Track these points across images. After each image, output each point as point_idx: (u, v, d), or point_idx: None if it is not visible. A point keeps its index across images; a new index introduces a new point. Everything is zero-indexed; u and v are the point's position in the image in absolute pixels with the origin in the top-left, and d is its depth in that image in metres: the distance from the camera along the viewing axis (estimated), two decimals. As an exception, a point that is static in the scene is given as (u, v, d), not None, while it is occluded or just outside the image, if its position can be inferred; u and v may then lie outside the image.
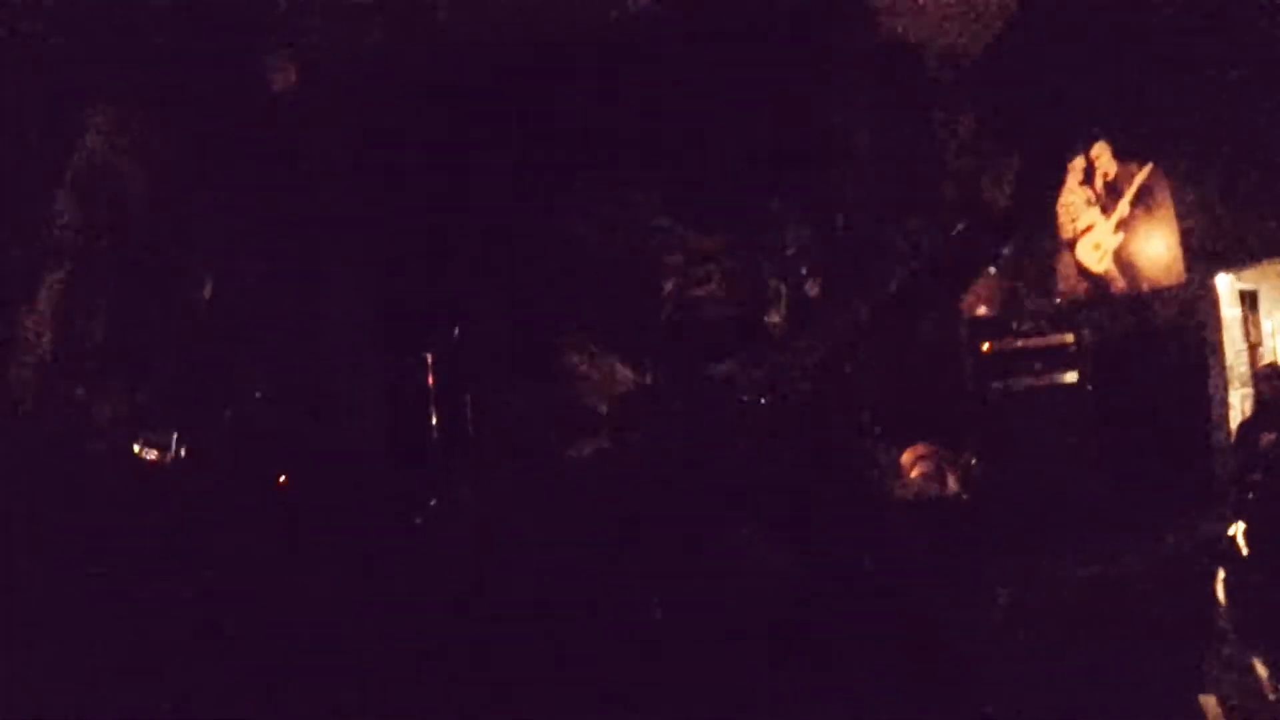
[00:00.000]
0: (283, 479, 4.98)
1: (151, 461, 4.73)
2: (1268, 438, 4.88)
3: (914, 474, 5.84)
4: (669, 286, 4.12)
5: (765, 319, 4.07)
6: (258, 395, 5.14)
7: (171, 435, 4.74)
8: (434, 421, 5.31)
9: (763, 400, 3.78)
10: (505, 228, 5.12)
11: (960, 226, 4.04)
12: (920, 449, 5.87)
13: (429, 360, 5.29)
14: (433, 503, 5.31)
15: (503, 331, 5.21)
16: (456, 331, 5.42)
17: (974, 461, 5.75)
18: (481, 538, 4.95)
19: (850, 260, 4.27)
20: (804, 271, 4.10)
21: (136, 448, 4.69)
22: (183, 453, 4.79)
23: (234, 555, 4.52)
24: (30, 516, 4.34)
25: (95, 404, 4.67)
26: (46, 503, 4.37)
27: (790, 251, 4.13)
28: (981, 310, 6.05)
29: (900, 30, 5.81)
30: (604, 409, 4.23)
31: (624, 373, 4.16)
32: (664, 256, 4.19)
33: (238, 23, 5.01)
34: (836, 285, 4.03)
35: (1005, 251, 5.69)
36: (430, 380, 5.31)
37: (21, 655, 3.95)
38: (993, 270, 6.04)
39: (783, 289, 4.06)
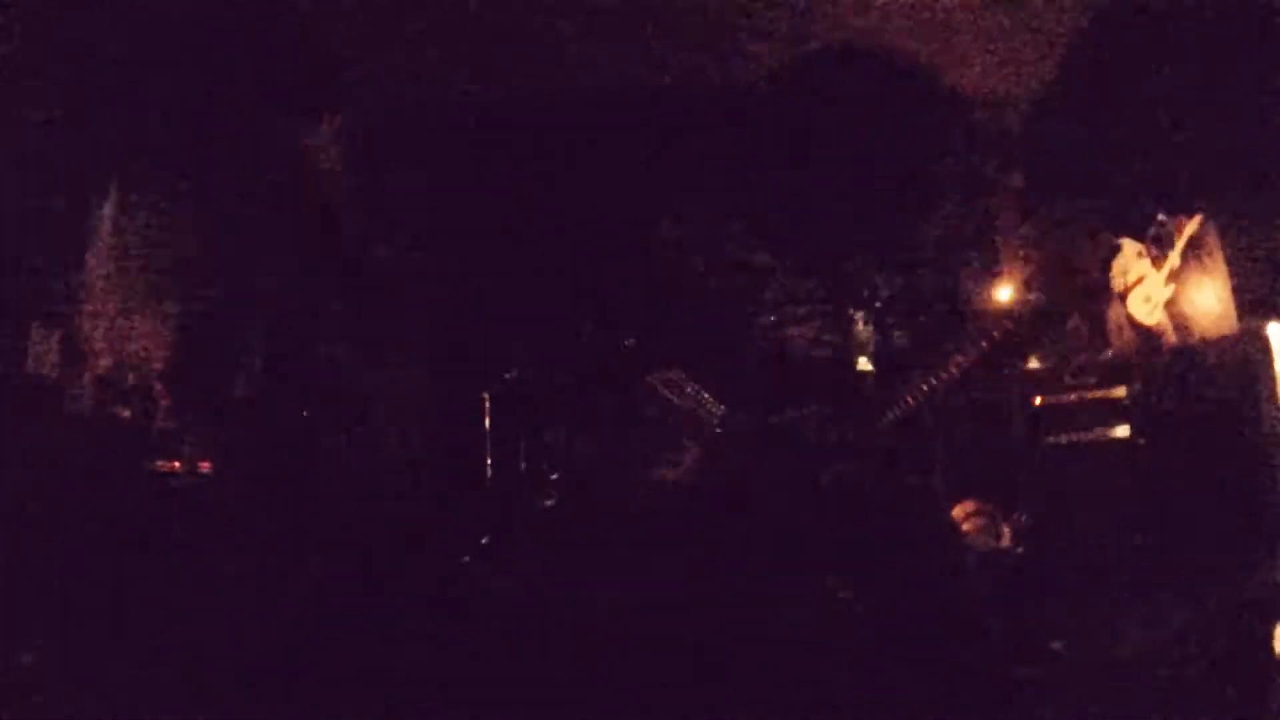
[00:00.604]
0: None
1: (200, 483, 4.83)
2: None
3: (965, 528, 5.80)
4: (763, 322, 4.20)
5: (854, 364, 4.14)
6: (309, 422, 5.22)
7: (221, 458, 4.85)
8: (489, 458, 5.41)
9: (846, 444, 3.84)
10: (607, 256, 5.31)
11: (1039, 297, 4.09)
12: (970, 505, 5.84)
13: (486, 397, 5.41)
14: (484, 540, 5.37)
15: (591, 356, 5.33)
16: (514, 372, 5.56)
17: (1024, 517, 5.71)
18: (537, 570, 5.01)
19: (937, 318, 4.35)
20: (892, 323, 4.17)
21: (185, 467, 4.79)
22: (232, 478, 4.89)
23: (282, 583, 4.58)
24: (80, 528, 4.45)
25: (148, 422, 4.79)
26: (98, 515, 4.48)
27: (880, 304, 4.21)
28: (1033, 364, 6.05)
29: (955, 92, 5.97)
30: (689, 438, 4.29)
31: (714, 404, 4.22)
32: (760, 293, 4.28)
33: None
34: (923, 340, 4.10)
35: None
36: (487, 416, 5.42)
37: (57, 663, 4.03)
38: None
39: (872, 337, 4.13)
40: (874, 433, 3.72)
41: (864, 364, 3.98)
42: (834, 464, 3.80)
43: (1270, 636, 4.36)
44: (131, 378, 4.86)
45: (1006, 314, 3.66)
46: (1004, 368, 5.26)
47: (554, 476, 5.38)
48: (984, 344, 3.64)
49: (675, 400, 4.42)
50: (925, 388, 3.66)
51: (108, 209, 5.05)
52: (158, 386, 4.86)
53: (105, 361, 4.85)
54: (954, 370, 3.63)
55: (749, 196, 4.72)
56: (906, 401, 3.70)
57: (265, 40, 5.28)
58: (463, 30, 5.89)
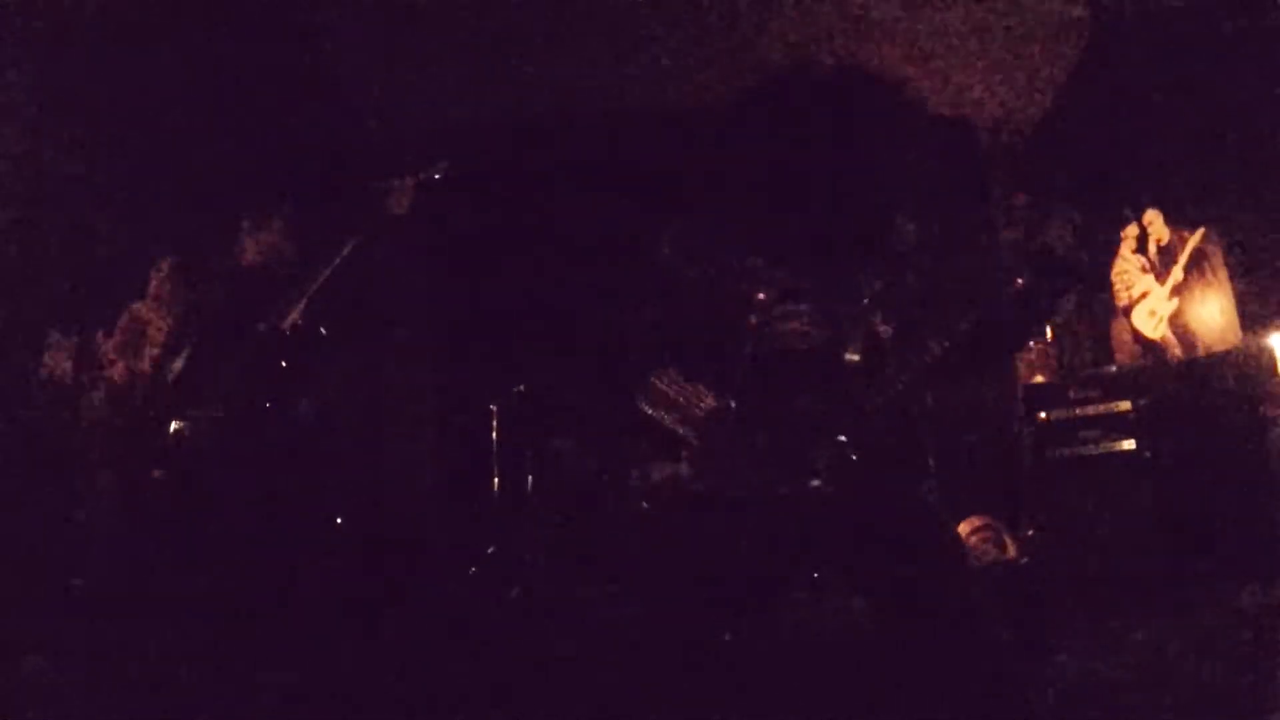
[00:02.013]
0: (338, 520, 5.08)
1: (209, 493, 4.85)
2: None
3: (971, 541, 5.80)
4: (755, 320, 4.27)
5: (843, 356, 4.20)
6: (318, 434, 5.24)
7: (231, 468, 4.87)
8: (496, 465, 5.45)
9: (840, 434, 3.87)
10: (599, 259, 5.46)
11: (1019, 283, 4.14)
12: (976, 520, 5.85)
13: (493, 406, 5.47)
14: (490, 550, 5.39)
15: (589, 355, 5.43)
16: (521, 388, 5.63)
17: (1030, 532, 5.71)
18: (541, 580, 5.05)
19: (919, 310, 4.41)
20: (878, 316, 4.24)
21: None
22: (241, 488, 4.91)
23: (286, 593, 4.59)
24: (88, 533, 4.48)
25: (161, 432, 4.82)
26: (106, 520, 4.51)
27: (865, 298, 4.27)
28: (1038, 378, 6.08)
29: (953, 102, 6.07)
30: (688, 432, 4.35)
31: (709, 398, 4.28)
32: (752, 292, 4.36)
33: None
34: (907, 331, 4.14)
35: (1061, 313, 5.79)
36: (494, 424, 5.48)
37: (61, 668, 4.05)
38: (1049, 337, 6.11)
39: (859, 330, 4.19)
40: (863, 423, 3.76)
41: (851, 356, 4.03)
42: (826, 455, 3.82)
43: (1275, 646, 4.36)
44: (144, 385, 4.90)
45: (987, 305, 3.69)
46: (988, 359, 5.32)
47: (557, 481, 5.44)
48: (960, 330, 3.67)
49: (670, 396, 4.48)
50: (908, 375, 3.71)
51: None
52: (168, 395, 4.90)
53: (119, 369, 4.89)
54: (932, 356, 3.66)
55: (741, 198, 4.85)
56: (890, 388, 3.74)
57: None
58: (463, 48, 6.05)
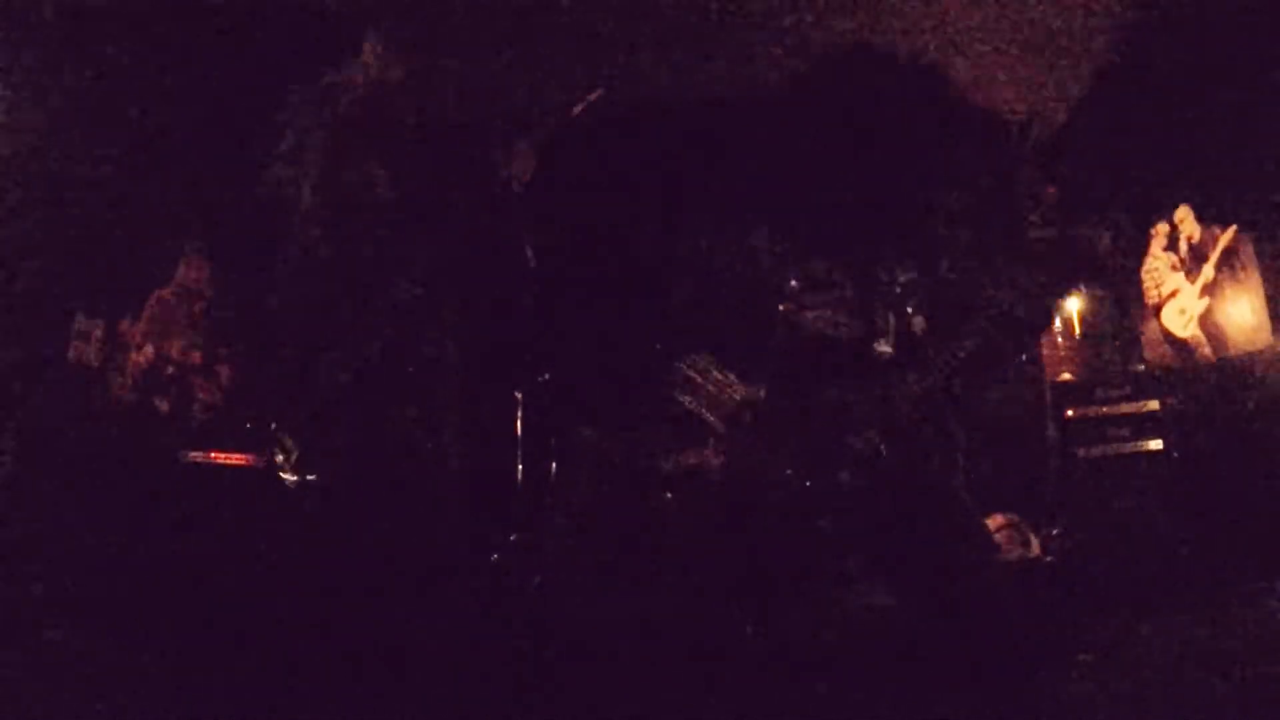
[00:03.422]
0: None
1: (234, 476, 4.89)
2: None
3: (997, 538, 5.77)
4: (784, 308, 4.27)
5: (874, 347, 4.19)
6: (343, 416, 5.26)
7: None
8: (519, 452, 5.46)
9: (869, 424, 3.87)
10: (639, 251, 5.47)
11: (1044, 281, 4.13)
12: (1001, 518, 5.82)
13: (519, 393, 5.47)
14: (512, 538, 5.40)
15: (615, 342, 5.44)
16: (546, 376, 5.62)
17: (1055, 532, 5.68)
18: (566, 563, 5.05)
19: (952, 302, 4.40)
20: (910, 308, 4.22)
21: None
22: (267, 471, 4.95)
23: (310, 577, 4.61)
24: (114, 515, 4.51)
25: (185, 413, 4.85)
26: (132, 503, 4.54)
27: (898, 289, 4.27)
28: (1066, 376, 6.04)
29: (986, 94, 6.04)
30: (717, 419, 4.35)
31: (738, 385, 4.28)
32: (781, 280, 4.36)
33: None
34: (939, 324, 4.14)
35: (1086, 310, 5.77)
36: (519, 412, 5.47)
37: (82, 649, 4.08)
38: (1078, 335, 6.07)
39: (890, 321, 4.18)
40: (893, 414, 3.75)
41: (883, 347, 4.03)
42: (855, 444, 3.82)
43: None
44: (170, 370, 4.94)
45: (1017, 300, 3.69)
46: (1019, 353, 5.30)
47: (581, 469, 5.44)
48: (989, 324, 3.67)
49: (701, 384, 4.48)
50: (940, 368, 3.70)
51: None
52: (196, 380, 4.94)
53: (146, 353, 4.93)
54: (965, 349, 3.66)
55: (774, 188, 4.85)
56: (921, 381, 3.74)
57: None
58: (497, 39, 6.05)
